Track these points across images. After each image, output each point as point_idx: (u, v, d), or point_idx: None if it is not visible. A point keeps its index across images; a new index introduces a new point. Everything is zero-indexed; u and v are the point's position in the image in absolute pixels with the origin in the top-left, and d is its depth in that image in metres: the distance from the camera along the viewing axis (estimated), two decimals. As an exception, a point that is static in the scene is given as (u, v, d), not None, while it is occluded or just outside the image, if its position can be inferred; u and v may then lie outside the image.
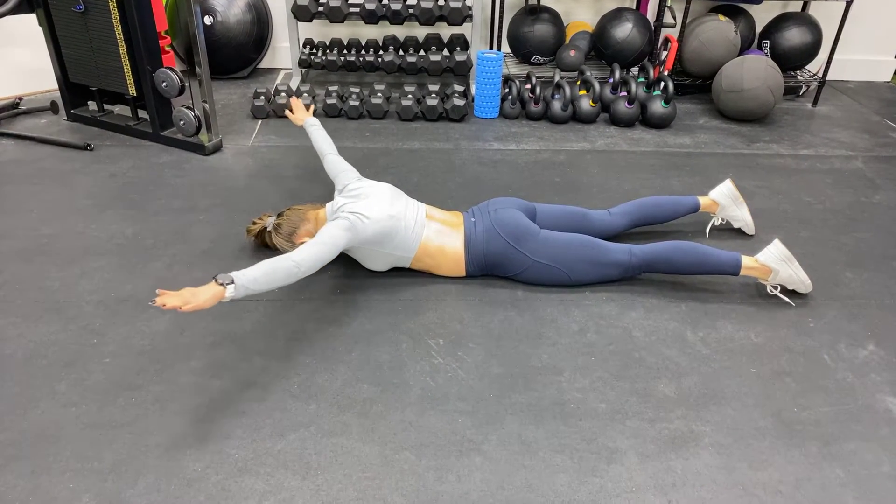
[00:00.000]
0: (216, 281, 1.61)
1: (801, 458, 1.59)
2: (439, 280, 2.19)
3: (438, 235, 2.12)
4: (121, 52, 2.93)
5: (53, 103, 3.38)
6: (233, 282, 1.62)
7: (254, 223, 2.26)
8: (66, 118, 3.34)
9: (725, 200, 2.45)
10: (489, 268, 2.16)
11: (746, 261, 2.11)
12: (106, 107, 3.31)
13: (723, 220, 2.50)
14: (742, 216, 2.47)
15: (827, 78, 3.93)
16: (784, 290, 2.16)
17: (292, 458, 1.55)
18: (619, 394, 1.76)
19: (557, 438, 1.62)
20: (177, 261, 2.25)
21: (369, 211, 2.01)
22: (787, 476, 1.54)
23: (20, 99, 3.47)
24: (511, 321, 2.02)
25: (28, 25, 3.39)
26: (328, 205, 2.16)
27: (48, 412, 1.66)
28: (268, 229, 2.19)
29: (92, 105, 3.34)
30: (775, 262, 2.10)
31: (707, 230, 2.51)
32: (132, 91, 3.04)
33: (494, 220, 2.11)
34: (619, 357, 1.89)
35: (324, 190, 2.71)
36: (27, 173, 2.82)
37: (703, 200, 2.45)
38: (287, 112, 2.71)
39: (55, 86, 3.59)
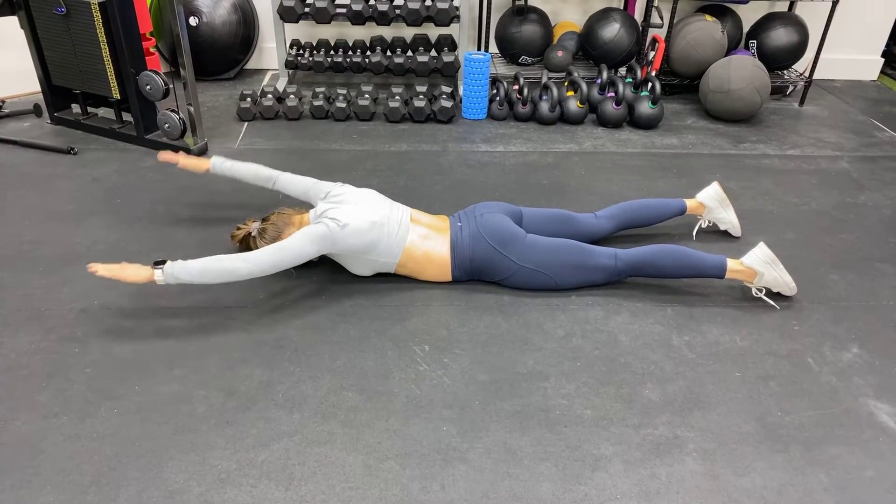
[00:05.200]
0: (153, 264, 1.84)
1: (785, 464, 1.60)
2: (425, 285, 2.18)
3: (424, 240, 2.11)
4: (103, 54, 2.90)
5: (36, 106, 3.35)
6: (163, 265, 1.83)
7: (238, 228, 2.24)
8: (49, 121, 3.31)
9: (712, 203, 2.46)
10: (475, 273, 2.15)
11: (731, 264, 2.11)
12: (90, 110, 3.27)
13: (709, 222, 2.51)
14: (729, 218, 2.48)
15: (813, 77, 3.94)
16: (769, 293, 2.17)
17: (276, 469, 1.54)
18: (604, 400, 1.76)
19: (542, 446, 1.62)
20: (161, 267, 2.23)
21: (351, 218, 2.00)
22: (771, 482, 1.55)
23: (3, 102, 3.44)
24: (497, 326, 2.01)
25: (10, 28, 3.35)
26: (311, 211, 2.15)
27: (28, 424, 1.64)
28: (252, 234, 2.17)
29: (76, 108, 3.31)
30: (760, 264, 2.10)
31: (694, 233, 2.51)
32: (116, 94, 3.01)
33: (480, 225, 2.10)
34: (605, 362, 1.89)
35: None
36: (9, 178, 2.78)
37: (689, 203, 2.45)
38: (180, 161, 2.30)
39: (38, 88, 3.55)
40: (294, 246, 1.94)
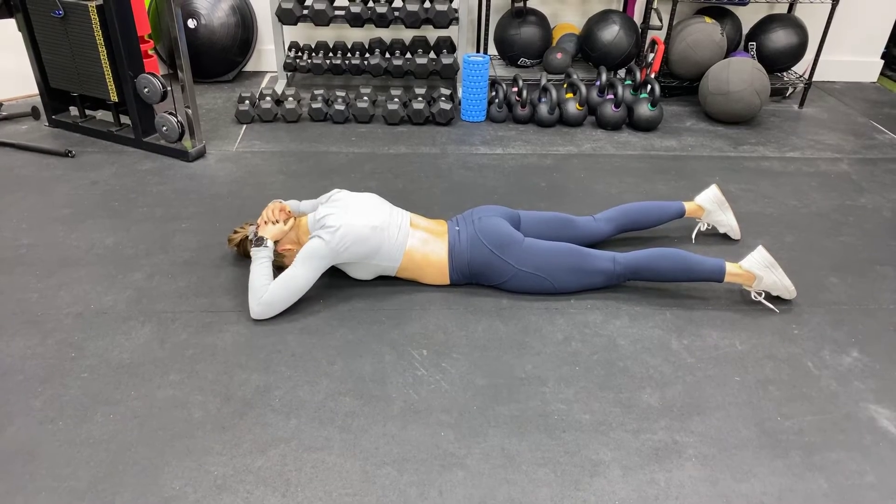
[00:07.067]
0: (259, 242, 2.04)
1: (785, 469, 1.59)
2: (423, 289, 2.17)
3: (423, 244, 2.11)
4: (101, 57, 2.89)
5: (34, 109, 3.34)
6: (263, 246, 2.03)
7: (235, 232, 2.23)
8: (47, 124, 3.30)
9: (711, 206, 2.45)
10: (474, 277, 2.14)
11: (730, 267, 2.11)
12: (87, 112, 3.27)
13: (708, 225, 2.50)
14: (727, 221, 2.47)
15: (813, 79, 3.94)
16: (768, 297, 2.16)
17: (272, 475, 1.53)
18: (603, 404, 1.75)
19: (541, 451, 1.61)
20: (158, 271, 2.23)
21: (345, 221, 1.99)
22: (771, 487, 1.54)
23: (0, 104, 3.43)
24: (495, 330, 2.00)
25: (8, 30, 3.34)
26: (310, 215, 2.14)
27: (24, 429, 1.63)
28: (249, 238, 2.16)
29: (73, 111, 3.30)
30: (759, 268, 2.09)
31: (693, 235, 2.50)
32: (114, 97, 3.01)
33: (478, 229, 2.10)
34: (604, 366, 1.88)
35: (307, 197, 2.69)
36: (6, 181, 2.78)
37: (688, 206, 2.44)
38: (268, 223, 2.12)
39: (36, 91, 3.54)
40: (301, 274, 1.98)
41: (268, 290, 1.96)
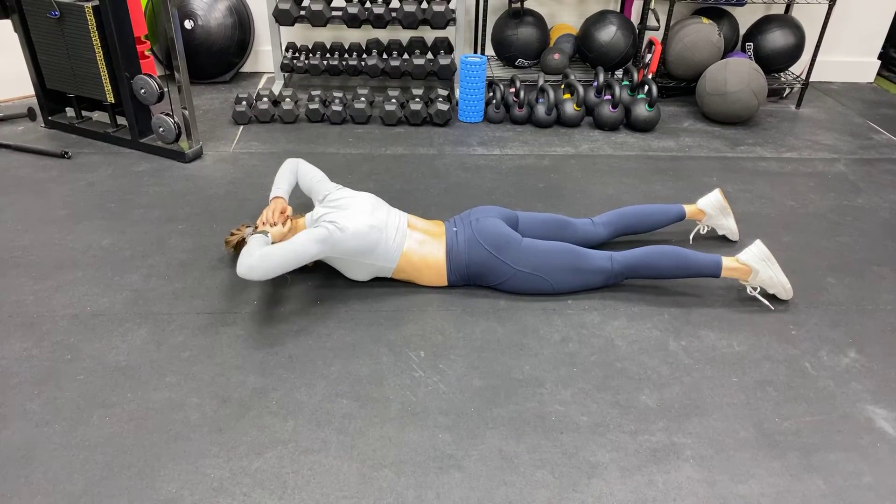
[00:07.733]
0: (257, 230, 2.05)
1: (782, 470, 1.58)
2: (421, 290, 2.16)
3: (420, 245, 2.10)
4: (98, 58, 2.88)
5: (30, 110, 3.33)
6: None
7: (232, 234, 2.23)
8: (43, 125, 3.29)
9: (713, 210, 2.44)
10: (472, 278, 2.14)
11: (727, 261, 2.11)
12: (84, 113, 3.26)
13: (708, 227, 2.50)
14: (728, 225, 2.46)
15: (810, 80, 3.94)
16: (764, 294, 2.15)
17: (269, 477, 1.53)
18: (600, 406, 1.75)
19: (538, 453, 1.61)
20: (154, 272, 2.22)
21: (349, 222, 1.99)
22: (768, 488, 1.54)
23: (-4, 105, 3.42)
24: (493, 332, 2.00)
25: (4, 31, 3.33)
26: (307, 215, 2.14)
27: (19, 432, 1.62)
28: (247, 239, 2.15)
29: (70, 112, 3.29)
30: (755, 261, 2.09)
31: (691, 237, 2.50)
32: (110, 98, 3.00)
33: (476, 230, 2.09)
34: (601, 368, 1.88)
35: (305, 198, 2.68)
36: (2, 182, 2.77)
37: (688, 209, 2.44)
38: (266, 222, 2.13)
39: (32, 92, 3.53)
40: (297, 246, 1.92)
41: (261, 251, 1.89)
